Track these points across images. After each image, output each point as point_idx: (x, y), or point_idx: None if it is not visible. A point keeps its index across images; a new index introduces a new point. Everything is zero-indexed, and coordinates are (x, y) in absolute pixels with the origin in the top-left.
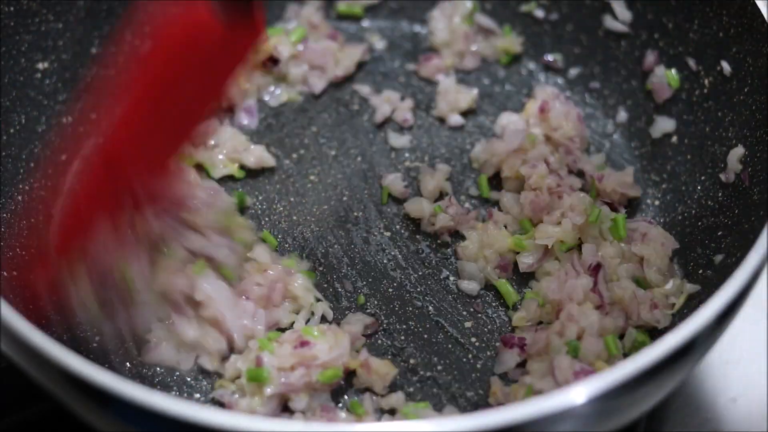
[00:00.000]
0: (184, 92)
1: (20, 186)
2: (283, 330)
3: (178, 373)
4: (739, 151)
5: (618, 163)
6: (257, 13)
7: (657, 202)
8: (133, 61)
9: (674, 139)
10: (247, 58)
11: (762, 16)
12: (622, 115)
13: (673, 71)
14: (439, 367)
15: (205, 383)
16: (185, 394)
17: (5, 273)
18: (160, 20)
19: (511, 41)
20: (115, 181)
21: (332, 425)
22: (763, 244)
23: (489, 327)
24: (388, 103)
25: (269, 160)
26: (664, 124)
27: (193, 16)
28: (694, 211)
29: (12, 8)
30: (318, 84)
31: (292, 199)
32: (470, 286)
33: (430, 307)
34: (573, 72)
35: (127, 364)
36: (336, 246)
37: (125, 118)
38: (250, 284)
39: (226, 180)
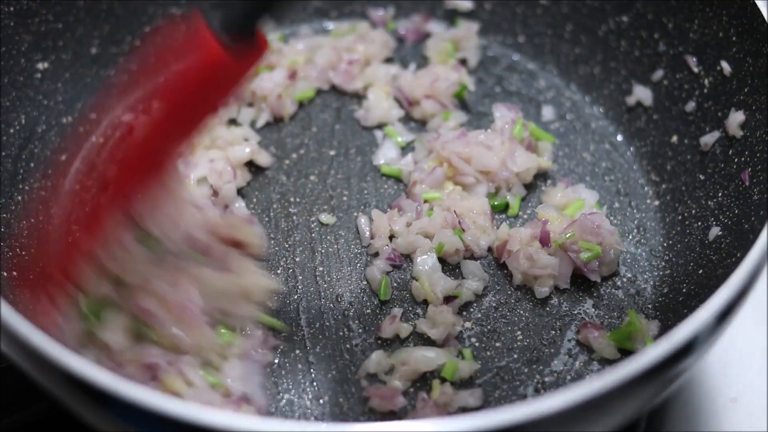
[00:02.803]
0: (186, 114)
1: (20, 186)
2: None
3: None
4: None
5: (618, 163)
6: (261, 38)
7: (657, 202)
8: (146, 83)
9: (674, 138)
10: (248, 75)
11: (762, 16)
12: (623, 115)
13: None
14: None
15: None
16: None
17: (5, 273)
18: (174, 53)
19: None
20: (116, 195)
21: (332, 425)
22: (763, 244)
23: (490, 327)
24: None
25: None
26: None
27: (206, 50)
28: (694, 211)
29: (12, 8)
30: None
31: (291, 198)
32: (474, 285)
33: None
34: (573, 72)
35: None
36: (336, 246)
37: (133, 136)
38: None
39: None
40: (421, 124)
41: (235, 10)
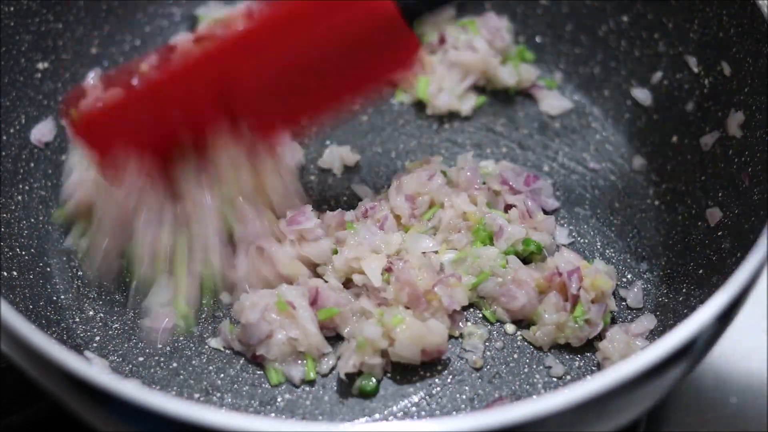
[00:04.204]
0: (329, 63)
1: (20, 186)
2: None
3: (180, 374)
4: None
5: (618, 163)
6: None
7: (657, 202)
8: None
9: (674, 138)
10: (395, 74)
11: (762, 16)
12: (623, 115)
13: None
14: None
15: (205, 383)
16: (185, 394)
17: (5, 273)
18: None
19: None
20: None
21: (332, 425)
22: (763, 244)
23: None
24: None
25: None
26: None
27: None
28: (694, 211)
29: (12, 8)
30: None
31: None
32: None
33: None
34: (573, 72)
35: (129, 365)
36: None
37: (248, 41)
38: None
39: None
40: None
41: None
